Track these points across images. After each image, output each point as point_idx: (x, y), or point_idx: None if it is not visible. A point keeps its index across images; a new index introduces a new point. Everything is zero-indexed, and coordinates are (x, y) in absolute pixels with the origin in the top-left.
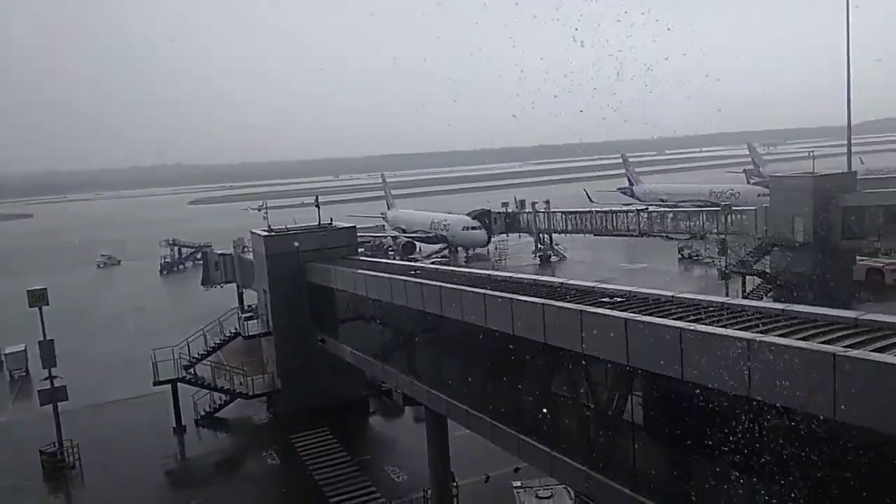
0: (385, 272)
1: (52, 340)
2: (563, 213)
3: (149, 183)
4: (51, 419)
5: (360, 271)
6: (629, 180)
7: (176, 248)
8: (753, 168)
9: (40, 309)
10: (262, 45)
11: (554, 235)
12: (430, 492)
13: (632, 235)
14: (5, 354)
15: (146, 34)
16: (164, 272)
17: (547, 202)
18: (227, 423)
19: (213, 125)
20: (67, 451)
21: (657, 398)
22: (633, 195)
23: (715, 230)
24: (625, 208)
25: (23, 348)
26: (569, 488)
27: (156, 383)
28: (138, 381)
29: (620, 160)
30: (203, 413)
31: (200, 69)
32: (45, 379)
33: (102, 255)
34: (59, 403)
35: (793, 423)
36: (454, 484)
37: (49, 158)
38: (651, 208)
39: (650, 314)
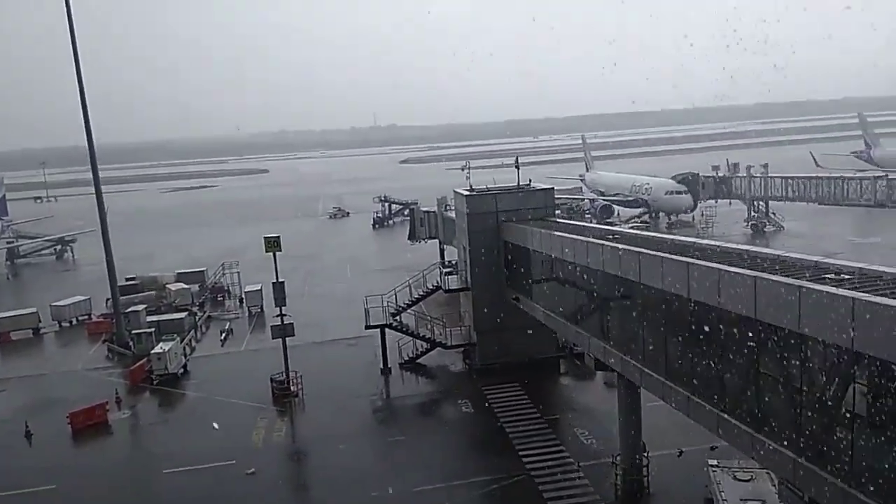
0: (582, 235)
1: (283, 282)
2: (783, 178)
3: (365, 143)
4: (280, 351)
5: (556, 233)
6: (866, 143)
7: (386, 205)
8: None
9: (274, 254)
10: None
11: (771, 203)
12: (619, 458)
13: (866, 206)
14: (245, 292)
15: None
16: (376, 226)
17: (764, 166)
18: (426, 370)
19: (424, 90)
20: (293, 381)
21: (886, 388)
22: (869, 160)
23: None
24: (859, 175)
25: (258, 287)
26: (772, 474)
27: (367, 327)
28: (352, 324)
29: (857, 120)
30: (407, 358)
31: (418, 40)
32: (277, 316)
33: (334, 208)
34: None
35: None
36: (645, 454)
37: (280, 120)
38: (892, 175)
39: (883, 295)
